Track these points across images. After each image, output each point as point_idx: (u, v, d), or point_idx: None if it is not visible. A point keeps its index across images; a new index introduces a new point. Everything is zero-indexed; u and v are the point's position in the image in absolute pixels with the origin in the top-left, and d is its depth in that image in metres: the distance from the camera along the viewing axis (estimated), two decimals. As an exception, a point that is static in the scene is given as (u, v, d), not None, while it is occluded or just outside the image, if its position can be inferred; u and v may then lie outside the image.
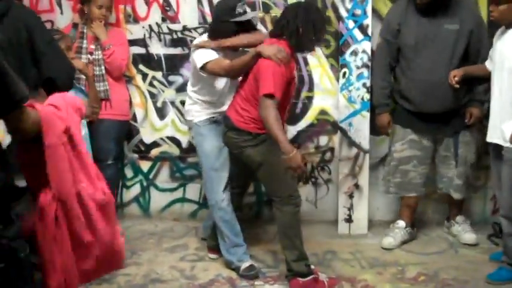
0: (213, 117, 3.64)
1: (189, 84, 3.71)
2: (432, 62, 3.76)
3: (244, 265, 3.58)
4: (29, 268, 1.87)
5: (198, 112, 3.65)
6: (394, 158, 4.01)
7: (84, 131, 3.51)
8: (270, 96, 3.14)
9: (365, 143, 4.16)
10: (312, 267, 3.45)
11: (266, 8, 4.22)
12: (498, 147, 3.40)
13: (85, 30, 3.96)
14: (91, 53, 3.93)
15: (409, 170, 3.98)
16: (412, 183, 4.01)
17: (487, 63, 3.57)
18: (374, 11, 4.12)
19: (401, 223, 4.09)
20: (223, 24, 3.43)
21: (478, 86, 3.80)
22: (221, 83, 3.58)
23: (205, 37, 3.58)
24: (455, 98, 3.78)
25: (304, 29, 3.25)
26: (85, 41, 3.94)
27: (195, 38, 4.26)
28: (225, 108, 3.53)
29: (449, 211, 4.21)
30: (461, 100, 3.81)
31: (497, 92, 3.40)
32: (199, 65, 3.43)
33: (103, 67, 3.93)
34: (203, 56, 3.43)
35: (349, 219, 4.24)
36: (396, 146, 4.00)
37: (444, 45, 3.74)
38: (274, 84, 3.15)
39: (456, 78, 3.62)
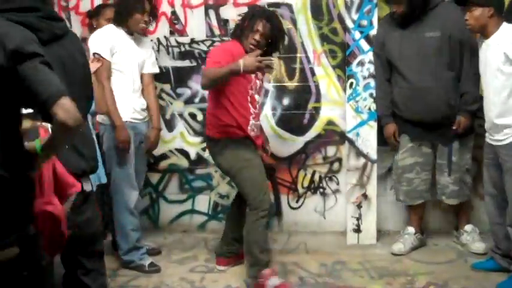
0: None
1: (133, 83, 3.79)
2: (418, 71, 3.81)
3: (147, 262, 3.82)
4: (50, 276, 1.91)
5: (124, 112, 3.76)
6: (398, 166, 4.07)
7: None
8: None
9: (373, 153, 4.17)
10: (266, 271, 3.47)
11: (273, 20, 4.25)
12: (495, 156, 3.43)
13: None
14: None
15: (412, 178, 4.02)
16: (417, 190, 4.04)
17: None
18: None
19: (411, 229, 4.11)
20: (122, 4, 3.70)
21: (466, 95, 3.82)
22: None
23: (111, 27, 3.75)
24: (445, 106, 3.81)
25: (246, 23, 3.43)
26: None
27: (203, 50, 4.32)
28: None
29: (457, 220, 4.21)
30: (454, 108, 3.82)
31: (486, 96, 3.47)
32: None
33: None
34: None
35: (357, 230, 4.24)
36: (398, 154, 4.05)
37: (428, 53, 3.78)
38: (213, 62, 3.29)
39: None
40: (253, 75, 3.46)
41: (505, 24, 3.36)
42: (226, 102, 3.41)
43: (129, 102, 3.72)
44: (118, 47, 3.67)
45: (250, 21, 3.40)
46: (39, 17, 2.20)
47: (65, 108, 1.74)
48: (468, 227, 4.11)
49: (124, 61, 3.70)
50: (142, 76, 3.87)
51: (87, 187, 2.39)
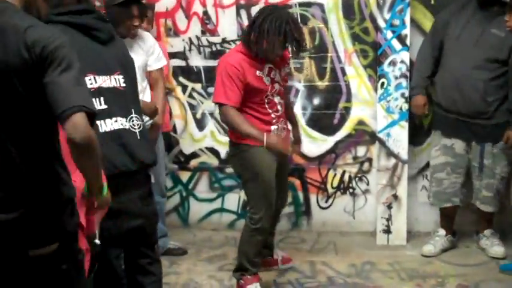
0: None
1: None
2: (469, 60, 3.75)
3: None
4: (84, 269, 2.01)
5: None
6: (431, 165, 4.04)
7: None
8: (222, 104, 3.22)
9: (404, 153, 4.14)
10: (249, 277, 3.44)
11: (304, 20, 4.24)
12: None
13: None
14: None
15: (442, 179, 3.96)
16: (446, 192, 3.97)
17: None
18: (413, 21, 4.12)
19: (442, 231, 4.07)
20: (109, 12, 3.35)
21: None
22: None
23: None
24: (481, 101, 3.75)
25: (257, 36, 3.17)
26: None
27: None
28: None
29: (478, 224, 4.12)
30: (490, 105, 3.76)
31: None
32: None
33: None
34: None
35: (387, 230, 4.22)
36: (432, 152, 4.02)
37: (485, 48, 3.72)
38: (225, 93, 3.18)
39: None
40: (268, 82, 3.30)
41: None
42: (244, 114, 3.28)
43: None
44: None
45: (269, 42, 3.14)
46: (95, 18, 2.34)
47: (76, 125, 1.70)
48: (488, 232, 4.04)
49: None
50: (149, 74, 3.74)
51: (152, 178, 2.54)
